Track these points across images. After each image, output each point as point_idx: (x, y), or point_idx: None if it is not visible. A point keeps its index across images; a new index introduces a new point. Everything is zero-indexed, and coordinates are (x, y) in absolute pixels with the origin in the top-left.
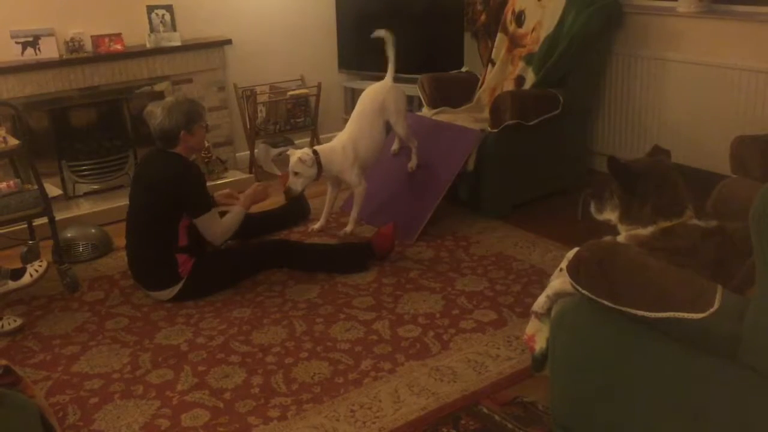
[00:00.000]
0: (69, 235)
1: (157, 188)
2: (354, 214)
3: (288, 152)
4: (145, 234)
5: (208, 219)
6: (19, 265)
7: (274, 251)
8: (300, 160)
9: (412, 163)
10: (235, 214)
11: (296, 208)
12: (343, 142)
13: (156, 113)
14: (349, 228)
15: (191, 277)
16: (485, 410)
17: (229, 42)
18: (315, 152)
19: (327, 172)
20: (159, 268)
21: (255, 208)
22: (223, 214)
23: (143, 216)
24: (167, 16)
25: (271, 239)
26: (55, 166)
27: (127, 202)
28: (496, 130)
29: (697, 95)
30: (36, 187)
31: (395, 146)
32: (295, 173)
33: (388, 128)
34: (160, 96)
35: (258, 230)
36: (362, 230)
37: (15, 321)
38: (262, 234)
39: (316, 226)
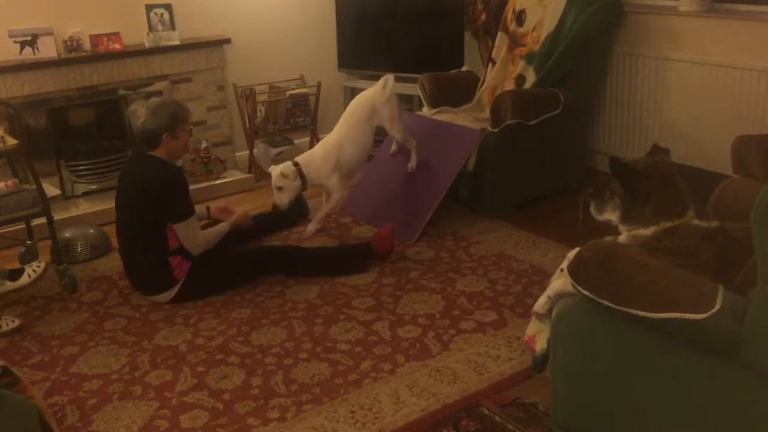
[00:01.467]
0: (67, 235)
1: (140, 193)
2: (321, 213)
3: (269, 170)
4: (134, 239)
5: (187, 226)
6: (17, 265)
7: (273, 256)
8: (282, 174)
9: (412, 163)
10: (219, 228)
11: (294, 208)
12: (326, 148)
13: (140, 112)
14: (311, 227)
15: (188, 281)
16: (486, 411)
17: (228, 41)
18: (296, 164)
19: (311, 181)
20: (153, 273)
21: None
22: (215, 224)
23: (130, 221)
24: (166, 15)
25: (270, 244)
26: (53, 166)
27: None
28: (496, 130)
29: (698, 95)
30: (34, 187)
31: (394, 146)
32: (279, 188)
33: (381, 133)
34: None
35: (257, 231)
36: (362, 230)
37: (13, 321)
38: (261, 235)
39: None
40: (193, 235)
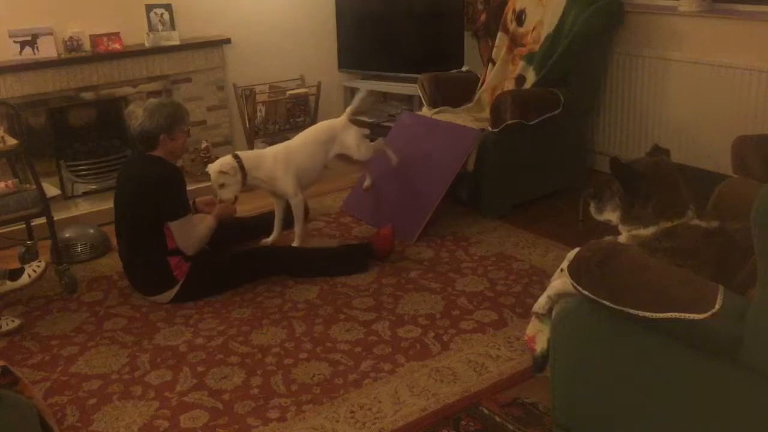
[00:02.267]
0: (67, 235)
1: (139, 192)
2: (297, 229)
3: (207, 169)
4: (133, 239)
5: (183, 224)
6: (17, 265)
7: (273, 256)
8: (221, 172)
9: (393, 160)
10: (207, 223)
11: None
12: (276, 152)
13: (137, 114)
14: (295, 243)
15: (188, 281)
16: (486, 411)
17: (228, 41)
18: (237, 157)
19: (252, 179)
20: (152, 273)
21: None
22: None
23: (128, 221)
24: (166, 15)
25: (270, 246)
26: (53, 166)
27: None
28: (496, 130)
29: (698, 95)
30: (34, 186)
31: (367, 182)
32: (221, 185)
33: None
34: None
35: (256, 232)
36: (362, 230)
37: (13, 321)
38: (261, 235)
39: (269, 239)
40: (188, 234)
